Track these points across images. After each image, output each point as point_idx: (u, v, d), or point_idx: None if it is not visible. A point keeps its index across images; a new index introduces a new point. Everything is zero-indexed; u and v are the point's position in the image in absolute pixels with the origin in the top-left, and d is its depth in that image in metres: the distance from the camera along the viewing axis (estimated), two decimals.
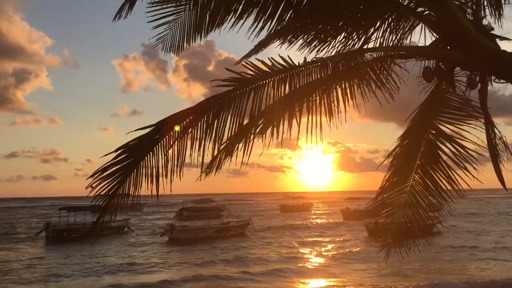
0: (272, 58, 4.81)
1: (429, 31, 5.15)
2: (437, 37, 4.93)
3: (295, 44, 5.33)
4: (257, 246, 33.26)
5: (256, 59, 4.93)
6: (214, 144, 4.78)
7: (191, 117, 4.66)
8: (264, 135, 4.89)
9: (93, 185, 4.24)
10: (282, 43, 5.30)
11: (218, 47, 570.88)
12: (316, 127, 4.90)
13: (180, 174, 4.62)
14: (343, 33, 5.17)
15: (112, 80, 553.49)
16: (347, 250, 30.75)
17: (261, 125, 4.88)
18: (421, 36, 5.38)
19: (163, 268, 25.67)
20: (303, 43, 5.35)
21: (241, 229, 39.99)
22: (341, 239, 36.96)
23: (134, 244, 35.18)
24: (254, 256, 28.73)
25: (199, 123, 4.71)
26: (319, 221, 56.92)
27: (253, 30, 5.19)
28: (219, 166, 4.91)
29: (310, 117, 4.94)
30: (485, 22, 4.75)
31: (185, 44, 5.89)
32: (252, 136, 4.84)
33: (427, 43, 5.12)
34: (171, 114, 4.62)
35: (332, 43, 5.35)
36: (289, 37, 5.27)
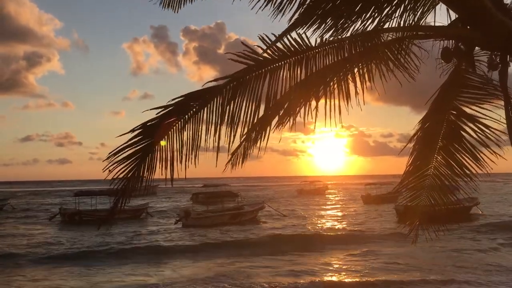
0: (289, 36, 4.72)
1: (449, 10, 5.02)
2: (457, 16, 4.82)
3: (316, 32, 5.17)
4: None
5: (272, 33, 4.77)
6: (230, 127, 4.75)
7: (206, 97, 4.62)
8: (282, 123, 4.95)
9: (110, 168, 4.25)
10: (303, 30, 5.12)
11: (229, 29, 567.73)
12: (334, 110, 4.86)
13: (195, 159, 4.61)
14: (362, 16, 5.04)
15: (123, 63, 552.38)
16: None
17: (280, 114, 4.90)
18: (440, 16, 5.25)
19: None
20: (323, 30, 5.18)
21: (254, 214, 40.15)
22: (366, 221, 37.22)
23: (148, 229, 35.39)
24: None
25: (214, 106, 4.68)
26: (339, 205, 56.60)
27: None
28: (245, 157, 5.04)
29: (327, 100, 4.89)
30: (506, 0, 4.63)
31: (186, 2, 5.66)
32: (271, 126, 4.91)
33: (446, 23, 5.01)
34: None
35: (352, 27, 5.20)
36: (309, 25, 5.10)
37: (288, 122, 4.96)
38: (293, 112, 4.91)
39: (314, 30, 5.00)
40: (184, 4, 5.77)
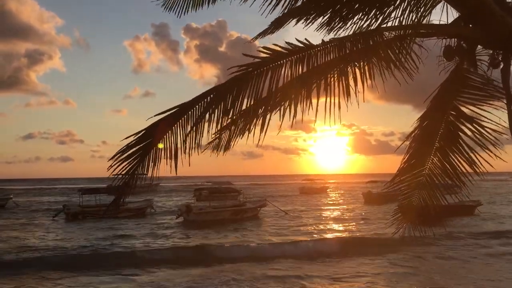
0: (288, 42, 4.80)
1: (451, 8, 5.02)
2: (459, 14, 4.82)
3: (312, 23, 5.18)
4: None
5: (273, 44, 4.86)
6: (231, 124, 4.80)
7: (209, 98, 4.68)
8: (280, 114, 4.89)
9: (114, 167, 4.33)
10: (298, 21, 5.11)
11: (230, 27, 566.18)
12: (334, 107, 4.85)
13: (198, 148, 4.71)
14: (362, 12, 5.05)
15: (124, 61, 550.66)
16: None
17: (276, 102, 4.86)
18: (443, 14, 5.25)
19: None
20: (320, 23, 5.19)
21: (256, 211, 40.13)
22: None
23: (148, 228, 35.38)
24: None
25: (217, 107, 4.73)
26: (342, 205, 56.33)
27: (267, 6, 4.96)
28: (229, 145, 4.94)
29: (327, 98, 4.90)
30: None
31: (190, 8, 5.75)
32: (268, 114, 4.85)
33: (448, 21, 5.01)
34: (183, 95, 4.73)
35: (350, 22, 5.21)
36: (306, 17, 5.12)
37: (288, 117, 4.91)
38: (294, 107, 4.87)
39: (309, 21, 5.01)
40: (186, 12, 5.82)
